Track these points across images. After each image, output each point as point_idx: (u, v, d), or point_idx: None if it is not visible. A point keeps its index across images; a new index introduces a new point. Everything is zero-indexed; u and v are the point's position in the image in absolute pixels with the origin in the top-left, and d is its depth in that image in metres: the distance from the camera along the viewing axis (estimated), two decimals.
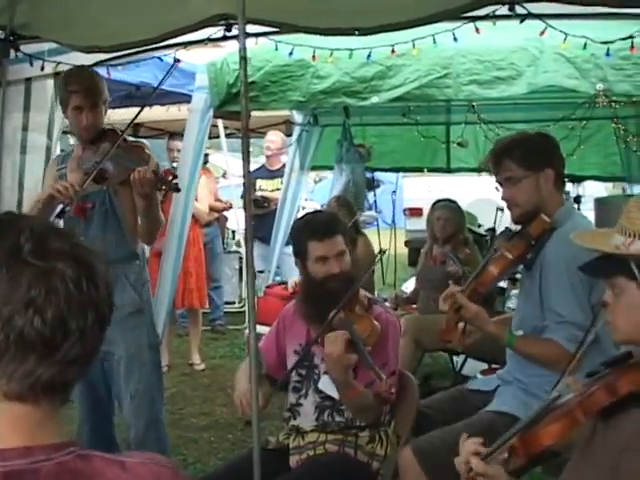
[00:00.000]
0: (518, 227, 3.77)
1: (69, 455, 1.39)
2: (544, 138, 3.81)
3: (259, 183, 9.06)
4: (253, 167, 9.84)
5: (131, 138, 4.58)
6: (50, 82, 4.83)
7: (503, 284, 7.05)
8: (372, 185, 9.34)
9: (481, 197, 10.90)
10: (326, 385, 3.52)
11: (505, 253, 3.63)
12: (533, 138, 3.78)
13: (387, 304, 8.00)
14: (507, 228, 3.80)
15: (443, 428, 3.48)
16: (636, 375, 2.24)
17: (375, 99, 4.62)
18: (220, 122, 8.74)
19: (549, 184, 3.59)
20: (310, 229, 3.61)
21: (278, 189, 8.53)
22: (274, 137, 9.00)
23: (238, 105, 4.61)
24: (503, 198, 3.70)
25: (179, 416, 6.48)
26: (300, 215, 5.81)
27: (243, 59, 2.54)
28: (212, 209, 8.69)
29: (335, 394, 3.49)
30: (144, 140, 4.55)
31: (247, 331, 6.53)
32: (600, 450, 2.33)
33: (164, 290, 4.92)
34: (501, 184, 3.71)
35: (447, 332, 3.64)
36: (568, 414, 2.26)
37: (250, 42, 4.66)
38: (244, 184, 3.16)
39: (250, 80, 4.68)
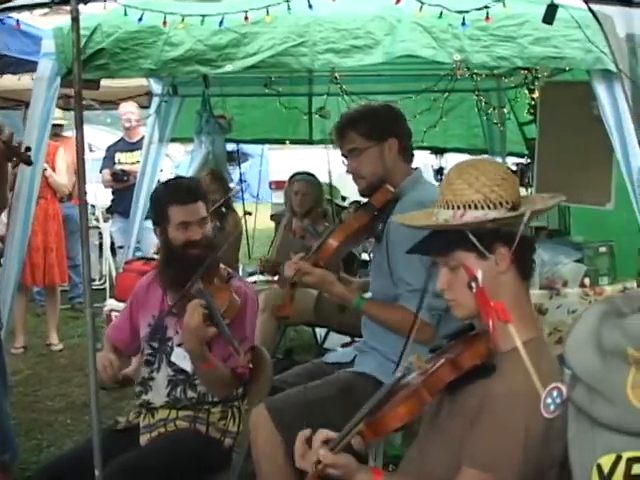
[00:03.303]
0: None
1: None
2: (387, 109, 3.86)
3: (118, 156, 8.91)
4: (114, 140, 9.64)
5: None
6: None
7: (367, 257, 7.10)
8: (235, 158, 9.26)
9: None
10: (179, 358, 3.48)
11: (345, 225, 3.65)
12: (376, 109, 3.85)
13: (254, 278, 7.98)
14: (356, 202, 3.83)
15: (299, 386, 3.48)
16: (478, 348, 2.25)
17: (229, 67, 4.52)
18: None
19: (393, 154, 3.62)
20: (172, 194, 3.57)
21: (138, 162, 8.35)
22: (132, 108, 8.84)
23: (87, 73, 4.44)
24: (348, 171, 3.72)
25: (34, 398, 6.30)
26: None
27: (75, 20, 2.43)
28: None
29: (188, 367, 3.45)
30: None
31: (106, 308, 6.47)
32: (447, 422, 2.35)
33: (10, 269, 4.71)
34: (346, 157, 3.72)
35: (283, 308, 3.69)
36: (414, 395, 2.26)
37: (99, 7, 4.50)
38: (76, 157, 3.02)
39: (99, 47, 4.52)
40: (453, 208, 2.32)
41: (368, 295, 3.66)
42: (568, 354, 1.34)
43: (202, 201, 3.57)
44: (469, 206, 2.29)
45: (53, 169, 7.99)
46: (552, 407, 1.53)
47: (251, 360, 3.52)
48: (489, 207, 2.28)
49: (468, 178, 2.33)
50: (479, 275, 2.14)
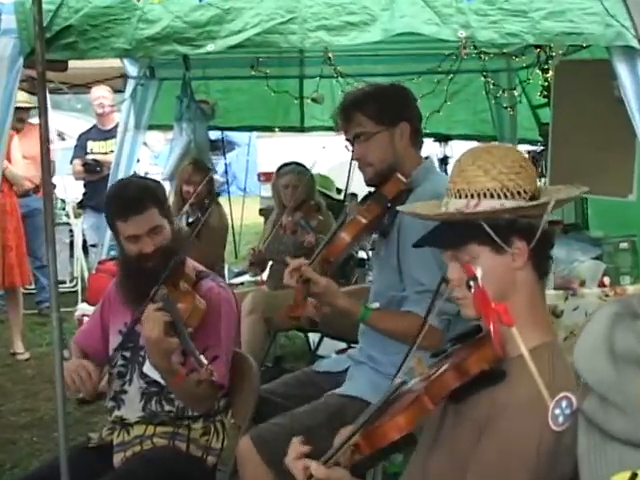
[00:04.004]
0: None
1: None
2: (398, 89, 3.84)
3: (90, 145, 8.90)
4: (86, 127, 9.62)
5: None
6: None
7: (364, 255, 7.10)
8: (219, 147, 9.23)
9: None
10: (151, 369, 3.44)
11: (358, 217, 3.60)
12: (386, 89, 3.81)
13: (240, 279, 7.97)
14: (353, 194, 3.81)
15: (285, 413, 3.46)
16: (485, 352, 2.21)
17: (211, 47, 4.48)
18: None
19: (404, 140, 3.61)
20: (115, 207, 3.53)
21: (112, 151, 8.31)
22: (105, 92, 8.80)
23: (54, 53, 4.41)
24: (354, 158, 3.69)
25: None
26: None
27: None
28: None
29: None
30: None
31: (77, 313, 6.45)
32: (452, 434, 2.33)
33: None
34: (351, 142, 3.70)
35: (296, 308, 3.55)
36: (415, 402, 2.22)
37: None
38: (41, 146, 3.01)
39: (66, 24, 4.49)
40: (466, 197, 2.30)
41: (375, 305, 3.62)
42: (578, 360, 1.32)
43: (154, 206, 3.49)
44: (484, 195, 2.28)
45: (9, 159, 7.94)
46: (561, 419, 1.52)
47: (226, 369, 3.50)
48: (506, 196, 2.27)
49: (483, 164, 2.32)
50: (479, 273, 2.12)
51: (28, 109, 8.30)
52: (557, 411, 1.54)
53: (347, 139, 3.72)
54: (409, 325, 3.35)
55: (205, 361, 3.04)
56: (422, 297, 3.37)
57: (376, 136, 3.59)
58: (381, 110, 3.60)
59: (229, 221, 7.90)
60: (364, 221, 3.60)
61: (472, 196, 2.29)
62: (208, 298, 3.47)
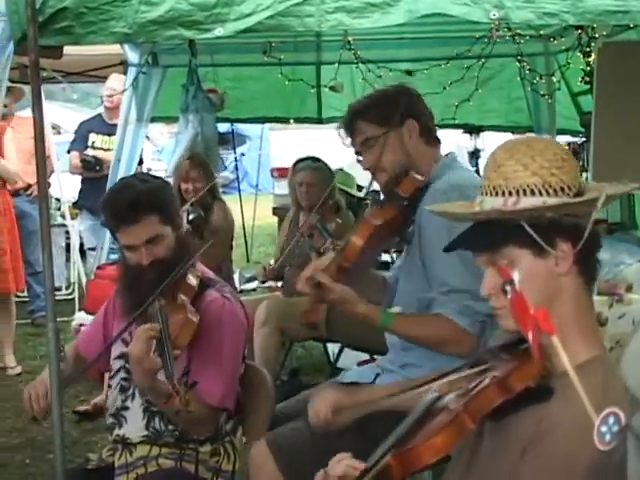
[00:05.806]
0: None
1: None
2: (399, 88, 3.89)
3: (92, 138, 8.79)
4: (83, 119, 9.59)
5: None
6: None
7: (387, 258, 7.09)
8: (229, 140, 9.23)
9: None
10: None
11: (369, 219, 3.61)
12: (386, 91, 3.89)
13: (253, 284, 7.96)
14: (375, 191, 3.83)
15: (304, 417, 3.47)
16: (531, 366, 2.17)
17: (219, 31, 4.47)
18: None
19: (414, 138, 3.64)
20: (109, 215, 3.51)
21: None
22: (117, 84, 8.49)
23: (47, 38, 4.42)
24: (365, 167, 3.73)
25: None
26: None
27: None
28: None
29: None
30: None
31: (75, 322, 6.46)
32: (491, 453, 2.30)
33: None
34: (360, 153, 3.74)
35: (311, 313, 3.58)
36: (454, 421, 2.19)
37: None
38: (35, 140, 3.01)
39: (61, 6, 4.50)
40: (504, 194, 2.26)
41: (396, 309, 3.62)
42: (626, 371, 1.31)
43: (153, 214, 3.42)
44: (524, 191, 2.23)
45: (1, 154, 7.94)
46: (608, 437, 1.50)
47: (243, 382, 3.48)
48: (548, 193, 2.23)
49: (522, 158, 2.27)
50: (515, 277, 2.09)
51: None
52: (604, 428, 1.52)
53: (357, 152, 3.76)
54: (436, 328, 3.39)
55: (182, 389, 3.03)
56: (449, 298, 3.37)
57: (382, 139, 3.61)
58: (383, 112, 3.64)
59: (239, 220, 7.86)
60: (376, 222, 3.59)
61: (510, 193, 2.25)
62: (210, 310, 3.47)
